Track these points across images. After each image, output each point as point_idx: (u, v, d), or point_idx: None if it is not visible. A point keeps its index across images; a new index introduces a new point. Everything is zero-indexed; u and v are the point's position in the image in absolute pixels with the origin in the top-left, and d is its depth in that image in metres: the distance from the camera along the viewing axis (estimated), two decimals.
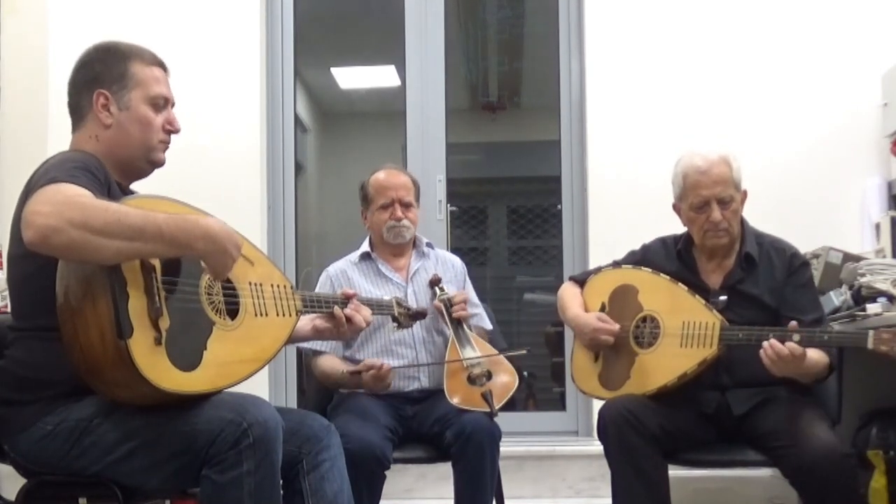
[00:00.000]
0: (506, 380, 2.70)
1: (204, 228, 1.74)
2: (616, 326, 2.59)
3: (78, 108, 2.00)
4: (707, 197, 2.52)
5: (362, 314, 2.30)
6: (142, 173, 2.05)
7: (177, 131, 2.06)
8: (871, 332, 2.24)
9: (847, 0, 3.83)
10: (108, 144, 1.97)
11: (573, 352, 2.78)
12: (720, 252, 2.62)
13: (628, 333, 2.62)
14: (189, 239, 1.72)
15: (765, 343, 2.30)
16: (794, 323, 2.34)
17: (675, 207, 2.66)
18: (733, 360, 2.51)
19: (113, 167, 1.95)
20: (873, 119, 3.73)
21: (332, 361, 2.80)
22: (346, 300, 2.30)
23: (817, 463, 2.25)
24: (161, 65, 2.05)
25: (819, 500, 2.29)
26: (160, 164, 2.05)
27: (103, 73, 1.97)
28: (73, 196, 1.66)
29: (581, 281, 2.81)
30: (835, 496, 2.26)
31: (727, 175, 2.52)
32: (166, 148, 2.05)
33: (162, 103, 2.02)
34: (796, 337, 2.34)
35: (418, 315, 2.61)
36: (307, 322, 2.32)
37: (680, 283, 2.58)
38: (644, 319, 2.62)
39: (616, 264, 2.79)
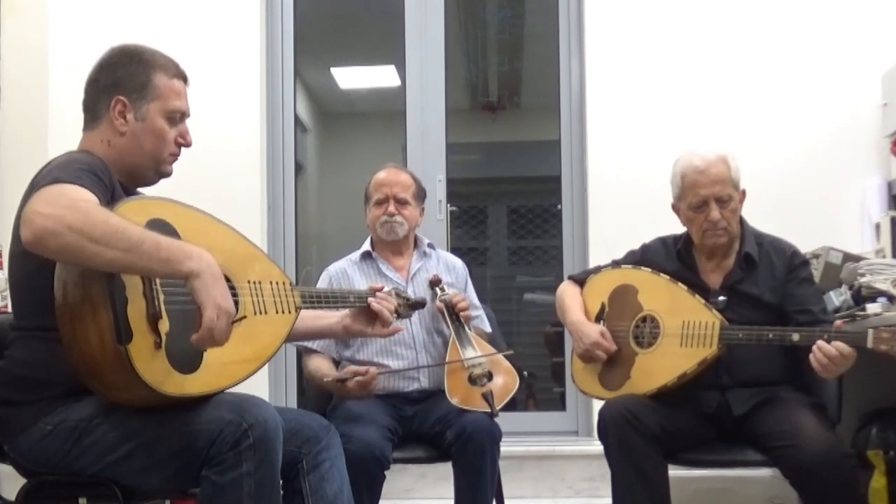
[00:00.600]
0: (507, 380, 2.70)
1: (199, 252, 1.71)
2: (613, 347, 2.60)
3: (93, 110, 1.98)
4: (705, 196, 2.53)
5: (384, 305, 2.31)
6: (148, 182, 2.05)
7: (188, 145, 2.05)
8: (870, 332, 2.24)
9: (847, 0, 3.83)
10: (119, 151, 1.96)
11: (573, 352, 2.78)
12: (720, 252, 2.62)
13: (628, 333, 2.62)
14: (183, 257, 1.69)
15: (814, 347, 2.28)
16: (838, 322, 2.36)
17: (675, 207, 2.66)
18: (733, 360, 2.52)
19: (120, 173, 1.95)
20: (873, 119, 3.73)
21: (318, 363, 2.79)
22: (360, 297, 2.31)
23: (817, 463, 2.25)
24: (183, 77, 2.04)
25: (819, 501, 2.29)
26: (167, 175, 2.05)
27: (125, 80, 1.96)
28: (76, 200, 1.65)
29: (580, 281, 2.81)
30: (835, 496, 2.26)
31: (725, 174, 2.53)
32: (175, 160, 2.04)
33: (178, 117, 2.02)
34: (796, 336, 2.34)
35: (417, 305, 2.60)
36: (336, 322, 2.33)
37: (680, 283, 2.58)
38: (644, 319, 2.62)
39: (616, 264, 2.79)
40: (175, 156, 2.04)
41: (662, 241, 2.76)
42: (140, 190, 2.05)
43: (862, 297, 2.90)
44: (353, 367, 2.66)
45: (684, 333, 2.50)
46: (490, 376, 2.67)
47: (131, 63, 1.97)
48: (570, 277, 2.89)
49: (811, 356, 2.29)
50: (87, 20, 3.99)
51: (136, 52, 1.99)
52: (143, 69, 1.97)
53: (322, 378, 2.72)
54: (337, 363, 2.85)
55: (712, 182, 2.52)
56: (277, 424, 1.81)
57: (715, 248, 2.61)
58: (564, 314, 2.76)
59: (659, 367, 2.54)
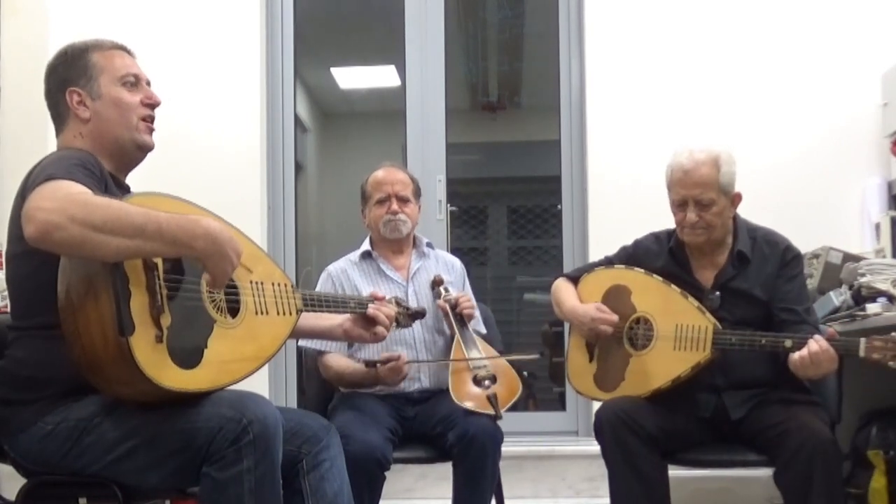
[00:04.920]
0: (511, 384, 2.70)
1: (205, 228, 1.74)
2: (615, 317, 2.59)
3: (58, 114, 2.02)
4: (685, 197, 2.53)
5: (384, 312, 2.32)
6: (133, 160, 2.05)
7: (156, 104, 2.05)
8: (862, 341, 2.24)
9: (847, 0, 3.83)
10: (92, 137, 1.97)
11: (568, 352, 2.78)
12: (710, 249, 2.61)
13: (622, 334, 2.62)
14: (189, 238, 1.71)
15: (811, 341, 2.28)
16: (831, 330, 2.36)
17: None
18: (728, 362, 2.51)
19: (104, 159, 1.95)
20: (873, 119, 3.73)
21: (343, 360, 2.79)
22: (360, 302, 2.32)
23: (803, 445, 2.26)
24: (122, 48, 2.06)
25: (801, 481, 2.27)
26: (148, 146, 2.04)
27: (68, 73, 1.99)
28: (75, 193, 1.66)
29: (574, 278, 2.81)
30: (817, 478, 2.24)
31: (711, 178, 2.49)
32: (152, 128, 2.04)
33: (133, 81, 2.02)
34: (788, 342, 2.34)
35: (417, 315, 2.61)
36: (337, 324, 2.34)
37: (673, 285, 2.57)
38: (637, 321, 2.62)
39: (609, 262, 2.78)
40: (147, 122, 2.03)
41: (655, 237, 2.75)
42: (138, 185, 2.04)
43: (862, 297, 2.90)
44: (387, 353, 2.67)
45: (678, 336, 2.50)
46: (494, 379, 2.67)
47: (67, 58, 2.01)
48: (563, 275, 2.88)
49: (799, 352, 2.29)
50: (88, 21, 4.00)
51: (68, 48, 2.03)
52: (79, 56, 2.00)
53: (351, 369, 2.72)
54: None
55: (694, 184, 2.50)
56: (277, 421, 1.82)
57: (700, 246, 2.60)
58: (561, 305, 2.75)
59: (653, 370, 2.54)
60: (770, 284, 2.56)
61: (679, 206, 2.56)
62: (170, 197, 1.84)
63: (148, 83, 2.07)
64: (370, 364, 2.64)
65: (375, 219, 2.93)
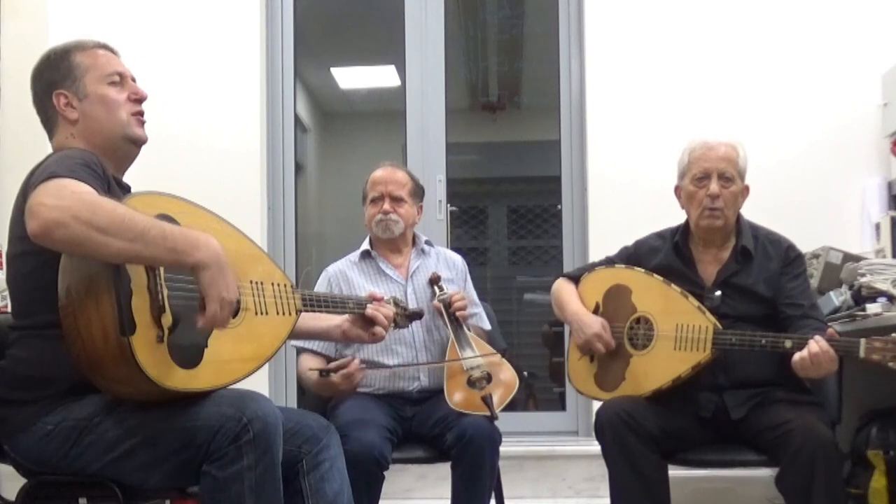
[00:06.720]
0: (506, 381, 2.69)
1: (207, 240, 1.73)
2: (613, 343, 2.61)
3: (47, 118, 2.02)
4: (709, 169, 2.55)
5: (382, 312, 2.33)
6: (127, 156, 2.05)
7: (143, 98, 2.05)
8: (862, 341, 2.23)
9: (847, 0, 3.84)
10: (83, 137, 1.97)
11: (568, 352, 2.79)
12: (716, 241, 2.62)
13: (623, 334, 2.62)
14: (190, 247, 1.71)
15: (811, 342, 2.28)
16: (831, 330, 2.35)
17: (676, 191, 2.67)
18: (729, 361, 2.51)
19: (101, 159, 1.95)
20: (873, 119, 3.73)
21: (308, 362, 2.77)
22: (359, 303, 2.32)
23: (805, 446, 2.26)
24: (104, 47, 2.06)
25: (803, 483, 2.26)
26: (141, 140, 2.04)
27: (53, 77, 2.00)
28: (80, 192, 1.66)
29: (575, 278, 2.81)
30: (819, 480, 2.24)
31: (733, 156, 2.56)
32: (142, 122, 2.04)
33: (119, 79, 2.02)
34: (788, 343, 2.34)
35: (415, 315, 2.60)
36: (336, 325, 2.34)
37: (673, 285, 2.57)
38: (638, 321, 2.62)
39: (609, 261, 2.79)
40: (137, 116, 2.03)
41: (658, 235, 2.76)
42: (137, 184, 2.04)
43: (862, 297, 2.90)
44: (337, 361, 2.64)
45: (678, 336, 2.50)
46: (489, 378, 2.66)
47: (50, 62, 2.01)
48: (563, 275, 2.88)
49: (799, 353, 2.28)
50: (88, 22, 4.00)
51: (50, 52, 2.03)
52: (62, 58, 2.00)
53: (306, 377, 2.71)
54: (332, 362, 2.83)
55: (719, 158, 2.55)
56: (277, 419, 1.82)
57: (711, 234, 2.61)
58: (563, 307, 2.75)
59: (653, 370, 2.54)
60: (773, 281, 2.57)
61: (700, 180, 2.57)
62: (170, 196, 1.84)
63: (133, 79, 2.06)
64: (323, 373, 2.60)
65: (369, 218, 2.95)
